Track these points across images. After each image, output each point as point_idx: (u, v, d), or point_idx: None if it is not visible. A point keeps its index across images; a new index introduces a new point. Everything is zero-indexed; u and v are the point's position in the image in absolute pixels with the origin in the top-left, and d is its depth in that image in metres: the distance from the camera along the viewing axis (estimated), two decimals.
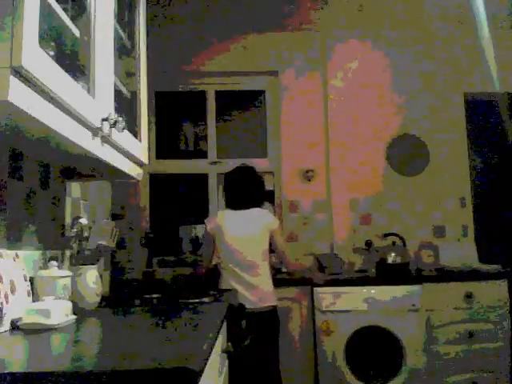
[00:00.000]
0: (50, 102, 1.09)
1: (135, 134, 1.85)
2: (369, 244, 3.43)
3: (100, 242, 1.79)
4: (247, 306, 2.30)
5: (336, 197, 3.58)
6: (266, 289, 2.60)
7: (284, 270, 3.29)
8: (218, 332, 1.40)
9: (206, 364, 1.01)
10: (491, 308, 2.95)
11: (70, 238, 1.79)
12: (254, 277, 2.57)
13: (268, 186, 3.79)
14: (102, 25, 1.45)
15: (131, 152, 1.72)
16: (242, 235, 2.61)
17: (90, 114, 1.31)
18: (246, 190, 2.74)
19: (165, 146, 3.77)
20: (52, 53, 1.27)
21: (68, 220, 1.94)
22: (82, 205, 2.18)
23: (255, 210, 2.70)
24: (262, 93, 3.84)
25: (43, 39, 1.10)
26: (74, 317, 1.42)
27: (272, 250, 2.75)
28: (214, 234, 2.66)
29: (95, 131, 1.37)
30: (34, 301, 1.43)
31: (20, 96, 0.96)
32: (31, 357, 1.06)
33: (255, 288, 2.55)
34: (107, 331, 1.41)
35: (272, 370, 2.57)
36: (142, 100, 1.97)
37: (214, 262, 2.83)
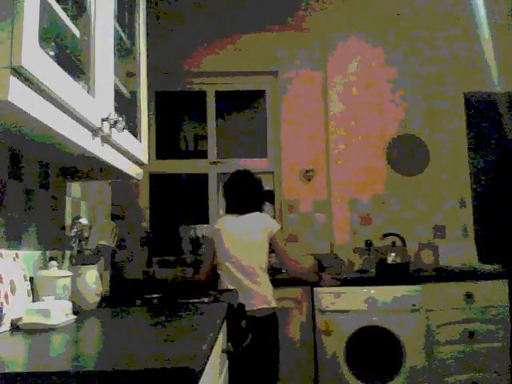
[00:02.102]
0: (50, 102, 1.09)
1: (135, 134, 1.85)
2: (369, 244, 3.43)
3: (100, 242, 1.79)
4: (246, 308, 2.29)
5: (336, 197, 3.58)
6: (264, 292, 2.58)
7: (284, 270, 3.29)
8: (218, 332, 1.40)
9: (206, 364, 1.01)
10: (491, 308, 2.95)
11: (70, 238, 1.79)
12: (252, 280, 2.56)
13: (268, 186, 3.80)
14: (102, 25, 1.45)
15: (131, 152, 1.72)
16: (240, 238, 2.60)
17: (90, 113, 1.31)
18: (245, 194, 2.72)
19: (165, 146, 3.77)
20: (52, 53, 1.27)
21: (68, 220, 1.94)
22: (82, 205, 2.18)
23: (255, 214, 2.69)
24: (262, 93, 3.85)
25: (43, 39, 1.10)
26: (74, 317, 1.42)
27: (272, 250, 2.75)
28: (213, 237, 2.66)
29: (95, 131, 1.37)
30: (34, 301, 1.43)
31: (20, 96, 0.96)
32: (31, 357, 1.06)
33: (252, 291, 2.54)
34: (107, 331, 1.41)
35: (271, 372, 2.56)
36: (142, 100, 1.97)
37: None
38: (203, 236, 2.82)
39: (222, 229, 2.64)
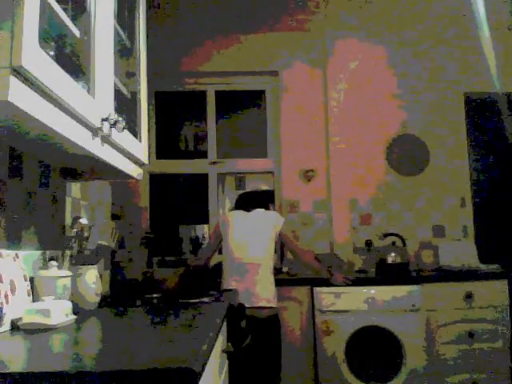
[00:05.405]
0: (49, 102, 1.09)
1: (135, 134, 1.85)
2: (369, 244, 3.43)
3: (100, 242, 1.79)
4: (247, 305, 2.30)
5: (336, 197, 3.58)
6: (268, 290, 2.60)
7: (285, 269, 3.30)
8: (218, 332, 1.40)
9: (206, 364, 1.01)
10: (491, 308, 2.95)
11: (70, 238, 1.79)
12: (256, 277, 2.57)
13: (268, 186, 3.81)
14: (102, 25, 1.45)
15: (131, 152, 1.72)
16: (246, 235, 2.66)
17: (90, 113, 1.31)
18: (255, 195, 2.98)
19: (165, 146, 3.77)
20: (52, 53, 1.27)
21: (68, 220, 1.94)
22: (82, 205, 2.18)
23: (262, 211, 2.78)
24: (262, 93, 3.84)
25: (43, 39, 1.10)
26: (74, 317, 1.42)
27: (281, 244, 2.87)
28: (222, 229, 2.73)
29: (95, 131, 1.37)
30: (34, 301, 1.43)
31: (20, 96, 0.96)
32: (31, 357, 1.06)
33: (256, 288, 2.55)
34: (107, 331, 1.41)
35: (273, 373, 2.57)
36: (142, 100, 1.97)
37: (215, 262, 2.86)
38: (216, 224, 2.91)
39: (230, 221, 2.72)
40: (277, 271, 3.08)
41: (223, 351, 1.66)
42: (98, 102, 1.38)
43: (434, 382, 2.88)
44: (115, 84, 1.60)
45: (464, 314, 2.94)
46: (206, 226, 3.63)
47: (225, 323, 1.80)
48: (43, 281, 1.48)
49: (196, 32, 3.63)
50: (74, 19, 1.36)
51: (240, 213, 2.77)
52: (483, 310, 2.95)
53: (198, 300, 1.89)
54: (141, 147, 1.88)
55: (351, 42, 3.72)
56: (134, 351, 1.03)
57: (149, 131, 2.08)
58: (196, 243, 3.55)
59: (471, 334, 2.92)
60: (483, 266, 3.20)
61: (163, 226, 3.67)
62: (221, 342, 1.60)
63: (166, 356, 0.96)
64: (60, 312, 1.33)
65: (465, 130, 3.69)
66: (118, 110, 1.59)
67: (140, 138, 1.90)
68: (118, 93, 1.67)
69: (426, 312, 2.91)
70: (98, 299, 1.70)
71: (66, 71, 1.15)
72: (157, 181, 3.70)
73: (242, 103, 3.94)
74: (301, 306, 2.93)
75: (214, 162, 3.73)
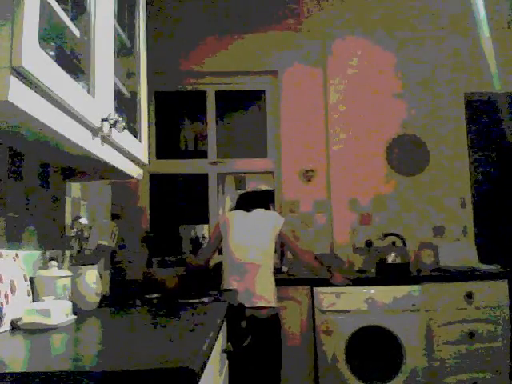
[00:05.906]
0: (49, 102, 1.09)
1: (135, 134, 1.85)
2: (369, 244, 3.43)
3: (100, 242, 1.79)
4: (247, 305, 2.30)
5: (336, 197, 3.58)
6: (267, 290, 2.60)
7: (284, 269, 3.30)
8: (218, 332, 1.40)
9: (205, 364, 1.01)
10: (491, 308, 2.95)
11: (70, 238, 1.80)
12: (256, 277, 2.57)
13: (268, 186, 3.81)
14: (102, 25, 1.45)
15: (131, 152, 1.72)
16: (247, 235, 2.65)
17: (90, 113, 1.31)
18: (255, 195, 2.99)
19: (165, 146, 3.77)
20: (52, 53, 1.27)
21: (68, 220, 1.94)
22: (82, 205, 2.18)
23: (262, 212, 2.78)
24: (262, 93, 3.84)
25: (43, 39, 1.10)
26: (74, 317, 1.42)
27: (282, 244, 2.87)
28: (222, 229, 2.73)
29: (95, 131, 1.37)
30: (34, 301, 1.43)
31: (20, 96, 0.96)
32: (31, 357, 1.06)
33: (256, 288, 2.55)
34: (107, 331, 1.41)
35: (273, 373, 2.57)
36: (142, 100, 1.97)
37: (215, 262, 2.85)
38: (216, 224, 2.90)
39: (230, 221, 2.71)
40: (277, 271, 3.08)
41: (223, 351, 1.66)
42: (98, 102, 1.38)
43: (433, 382, 2.88)
44: (115, 84, 1.60)
45: (464, 314, 2.94)
46: (205, 226, 3.63)
47: (225, 323, 1.80)
48: (43, 281, 1.48)
49: (196, 32, 3.63)
50: (73, 19, 1.36)
51: (240, 213, 2.77)
52: (483, 310, 2.95)
53: (197, 300, 1.89)
54: (141, 147, 1.88)
55: (351, 41, 3.72)
56: (133, 351, 1.03)
57: (149, 131, 2.08)
58: (196, 243, 3.55)
59: (471, 334, 2.92)
60: (483, 266, 3.20)
61: (163, 226, 3.67)
62: (221, 342, 1.60)
63: (166, 356, 0.96)
64: (60, 312, 1.33)
65: (465, 130, 3.69)
66: (118, 110, 1.59)
67: (140, 138, 1.90)
68: (117, 93, 1.67)
69: (425, 312, 2.91)
70: (97, 299, 1.70)
71: (66, 71, 1.15)
72: (157, 181, 3.70)
73: (242, 103, 3.94)
74: (301, 306, 2.93)
75: (214, 162, 3.73)
